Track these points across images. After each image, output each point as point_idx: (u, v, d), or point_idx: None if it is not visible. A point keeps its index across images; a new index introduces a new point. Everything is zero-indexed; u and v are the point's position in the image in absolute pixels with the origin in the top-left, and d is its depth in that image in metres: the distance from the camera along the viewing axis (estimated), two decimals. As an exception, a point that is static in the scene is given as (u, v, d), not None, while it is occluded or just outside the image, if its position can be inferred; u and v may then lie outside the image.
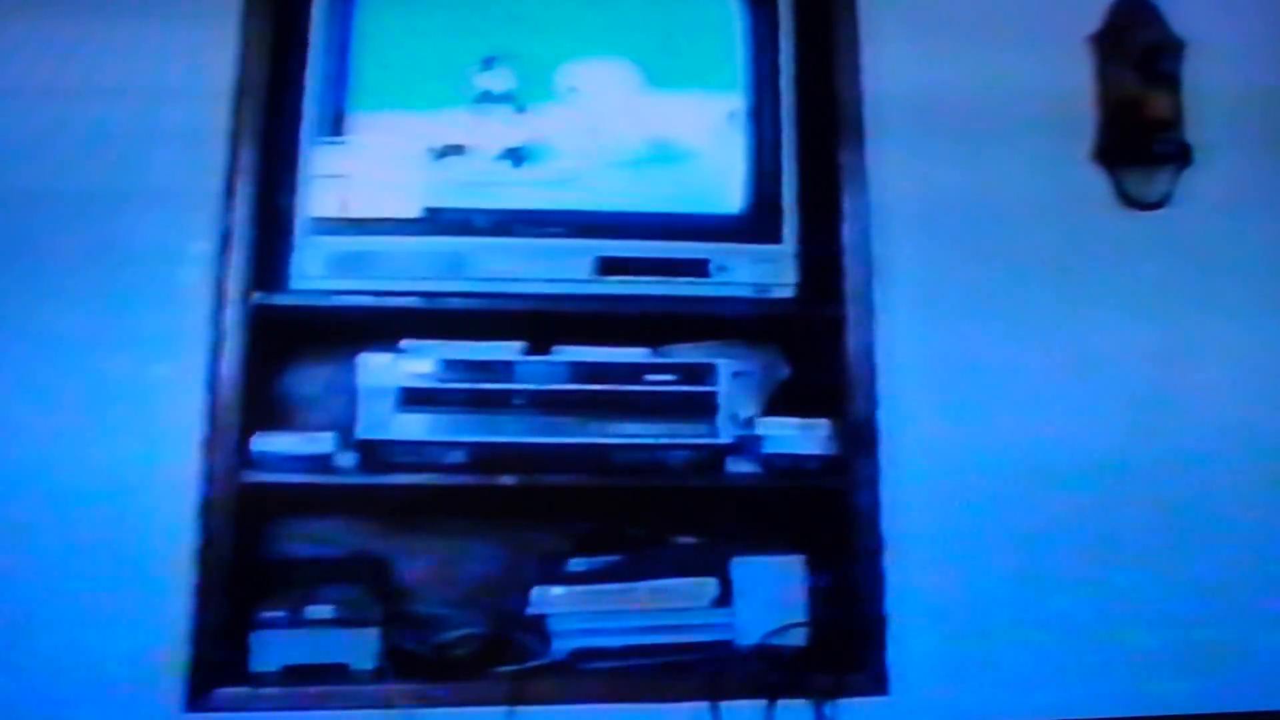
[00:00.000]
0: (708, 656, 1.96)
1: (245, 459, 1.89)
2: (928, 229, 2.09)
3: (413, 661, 1.91)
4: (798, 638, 2.01)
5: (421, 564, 2.12)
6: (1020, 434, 2.04)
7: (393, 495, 2.04)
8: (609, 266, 2.01)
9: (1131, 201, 2.15)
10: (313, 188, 1.98)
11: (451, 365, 1.98)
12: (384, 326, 1.99)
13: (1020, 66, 2.14)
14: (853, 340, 2.03)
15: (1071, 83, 2.17)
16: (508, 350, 2.01)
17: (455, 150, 2.03)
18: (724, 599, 2.00)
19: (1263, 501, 2.06)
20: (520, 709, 1.84)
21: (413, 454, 1.94)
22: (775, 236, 2.05)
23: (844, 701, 1.91)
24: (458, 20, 2.08)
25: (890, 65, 2.10)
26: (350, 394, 1.95)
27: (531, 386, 1.97)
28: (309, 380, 2.16)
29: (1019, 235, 2.12)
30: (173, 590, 1.83)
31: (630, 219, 2.04)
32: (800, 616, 2.02)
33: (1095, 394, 2.08)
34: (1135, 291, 2.13)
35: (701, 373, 2.02)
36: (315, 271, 1.97)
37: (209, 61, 1.98)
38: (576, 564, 2.03)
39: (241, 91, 1.98)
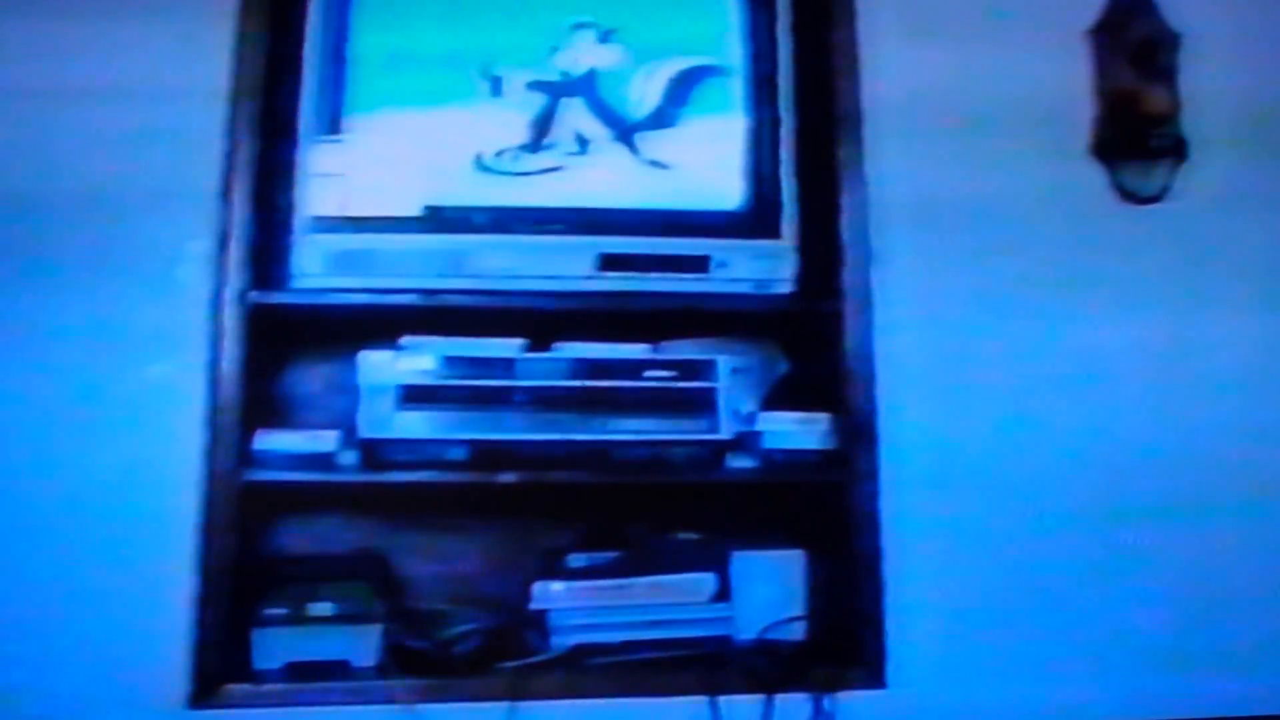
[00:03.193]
0: (707, 651, 1.97)
1: (246, 458, 1.90)
2: (926, 224, 2.09)
3: (414, 658, 1.92)
4: (797, 632, 2.02)
5: (423, 561, 2.14)
6: (1017, 427, 2.05)
7: (394, 493, 2.05)
8: (609, 263, 2.01)
9: (1128, 195, 2.15)
10: (311, 186, 1.98)
11: (452, 362, 1.98)
12: (384, 324, 2.00)
13: (1017, 61, 2.14)
14: (851, 335, 2.04)
15: (1068, 77, 2.17)
16: (508, 347, 2.01)
17: (454, 147, 2.03)
18: (723, 594, 2.01)
19: (1262, 496, 2.07)
20: (521, 704, 1.85)
21: (414, 451, 1.95)
22: (774, 232, 2.05)
23: (842, 695, 1.92)
24: (454, 16, 2.07)
25: (888, 61, 2.10)
26: (351, 392, 1.96)
27: (532, 383, 1.98)
28: (309, 378, 2.17)
29: (1016, 229, 2.12)
30: (176, 589, 1.84)
31: (630, 215, 2.05)
32: (799, 610, 2.04)
33: (1092, 387, 2.08)
34: (1132, 285, 2.13)
35: (701, 368, 2.03)
36: (315, 270, 1.96)
37: (206, 60, 1.97)
38: (577, 560, 2.04)
39: (238, 90, 1.97)
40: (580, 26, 2.07)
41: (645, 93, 2.08)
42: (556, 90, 2.06)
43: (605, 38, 2.07)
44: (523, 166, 2.04)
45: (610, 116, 2.07)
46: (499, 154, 2.03)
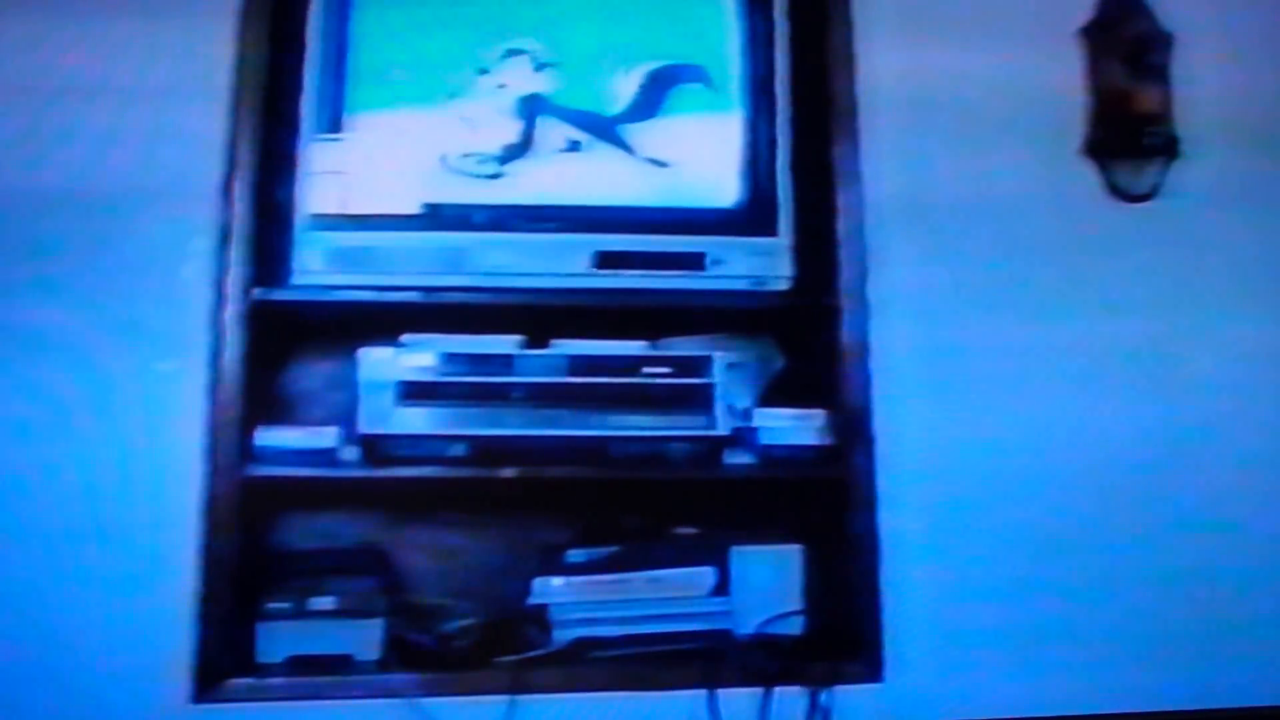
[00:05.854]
0: (706, 645, 1.98)
1: (248, 454, 1.91)
2: (920, 222, 2.10)
3: (415, 652, 1.94)
4: (794, 626, 2.03)
5: (423, 556, 2.14)
6: (1012, 423, 2.07)
7: (394, 488, 2.06)
8: (607, 260, 2.03)
9: (1121, 193, 2.17)
10: (312, 184, 2.00)
11: (451, 359, 1.99)
12: (384, 321, 2.01)
13: (1011, 60, 2.16)
14: (847, 332, 2.05)
15: (1061, 76, 2.19)
16: (507, 344, 2.02)
17: (453, 145, 2.04)
18: (722, 588, 2.02)
19: (1255, 492, 2.09)
20: (521, 698, 1.86)
21: (414, 447, 1.96)
22: (770, 230, 2.07)
23: (839, 689, 1.93)
24: (454, 16, 2.09)
25: (883, 60, 2.11)
26: (352, 388, 1.96)
27: (530, 380, 1.99)
28: (310, 375, 2.17)
29: (1010, 227, 2.14)
30: (179, 584, 1.85)
31: (627, 213, 2.06)
32: (797, 605, 2.04)
33: (1086, 384, 2.10)
34: (1125, 282, 2.14)
35: (698, 365, 2.04)
36: (315, 267, 1.98)
37: (207, 58, 1.99)
38: (576, 555, 2.05)
39: (240, 88, 1.98)
40: (514, 52, 2.08)
41: (640, 91, 2.09)
42: (530, 105, 2.08)
43: (540, 67, 2.08)
44: (520, 164, 2.06)
45: (594, 120, 2.08)
46: (498, 152, 2.05)
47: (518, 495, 2.10)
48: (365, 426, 1.94)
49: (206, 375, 1.91)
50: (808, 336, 2.16)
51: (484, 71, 2.07)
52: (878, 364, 2.05)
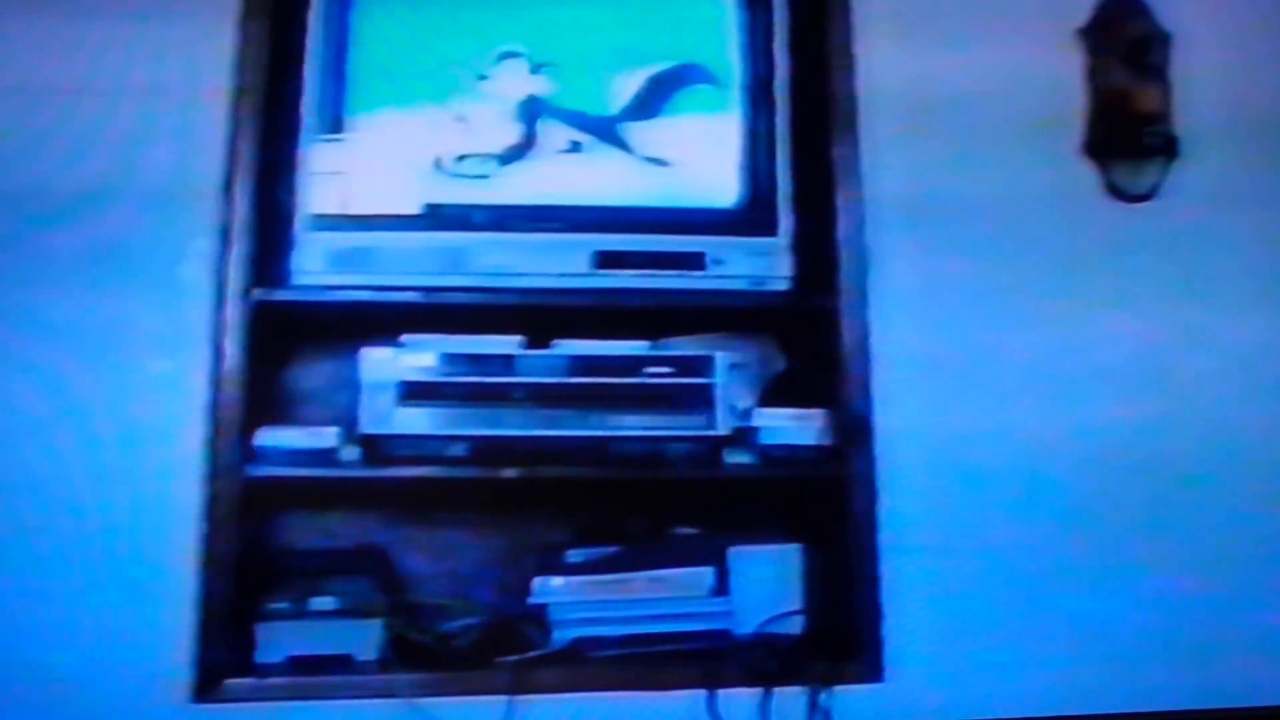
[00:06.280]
0: (706, 645, 1.98)
1: (248, 454, 1.91)
2: (920, 221, 2.10)
3: (416, 651, 1.94)
4: (794, 626, 2.03)
5: (424, 556, 2.15)
6: (1013, 423, 2.06)
7: (395, 488, 2.06)
8: (607, 260, 2.03)
9: (1120, 193, 2.17)
10: (312, 184, 2.00)
11: (452, 359, 1.99)
12: (385, 321, 2.01)
13: (1010, 60, 2.16)
14: (847, 332, 2.05)
15: (1060, 76, 2.19)
16: (507, 344, 2.02)
17: (454, 146, 2.05)
18: (722, 588, 2.02)
19: (1255, 492, 2.08)
20: (521, 697, 1.86)
21: (414, 447, 1.96)
22: (770, 230, 2.07)
23: (839, 689, 1.93)
24: (454, 16, 2.10)
25: (883, 60, 2.11)
26: (352, 388, 1.97)
27: (531, 380, 1.99)
28: (311, 375, 2.18)
29: (1010, 227, 2.13)
30: (179, 584, 1.84)
31: (627, 213, 2.06)
32: (797, 605, 2.05)
33: (1086, 384, 2.10)
34: (1124, 282, 2.14)
35: (698, 365, 2.04)
36: (316, 267, 1.98)
37: (208, 58, 1.98)
38: (576, 555, 2.05)
39: (240, 88, 1.98)
40: (509, 55, 2.08)
41: (640, 91, 2.10)
42: (529, 106, 2.08)
43: (537, 69, 2.08)
44: (520, 165, 2.06)
45: (594, 120, 2.09)
46: (498, 153, 2.05)
47: (518, 495, 2.10)
48: (366, 426, 1.95)
49: (207, 375, 1.91)
50: (808, 336, 2.16)
51: (482, 76, 2.07)
52: (877, 364, 2.04)
